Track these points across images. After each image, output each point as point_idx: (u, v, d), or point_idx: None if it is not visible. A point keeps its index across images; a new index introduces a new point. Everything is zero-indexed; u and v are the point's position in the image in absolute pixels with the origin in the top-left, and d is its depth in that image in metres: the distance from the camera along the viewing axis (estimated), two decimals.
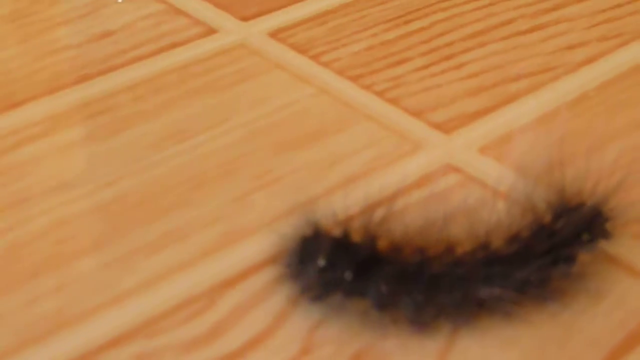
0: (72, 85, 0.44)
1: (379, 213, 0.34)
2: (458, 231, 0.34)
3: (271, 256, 0.35)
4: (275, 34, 0.48)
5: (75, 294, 0.34)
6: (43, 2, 0.51)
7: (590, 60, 0.47)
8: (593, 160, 0.38)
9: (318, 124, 0.42)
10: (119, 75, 0.45)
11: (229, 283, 0.35)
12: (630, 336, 0.33)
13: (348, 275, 0.32)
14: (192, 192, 0.39)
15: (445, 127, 0.42)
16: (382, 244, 0.33)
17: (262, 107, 0.43)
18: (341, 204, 0.35)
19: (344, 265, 0.33)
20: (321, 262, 0.33)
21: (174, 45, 0.47)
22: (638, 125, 0.43)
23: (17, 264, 0.35)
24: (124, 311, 0.34)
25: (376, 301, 0.33)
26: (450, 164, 0.40)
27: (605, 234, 0.35)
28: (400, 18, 0.49)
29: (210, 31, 0.48)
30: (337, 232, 0.33)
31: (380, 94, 0.44)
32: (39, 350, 0.32)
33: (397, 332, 0.33)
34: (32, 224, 0.37)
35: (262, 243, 0.36)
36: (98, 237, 0.36)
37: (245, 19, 0.49)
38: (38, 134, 0.41)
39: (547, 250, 0.34)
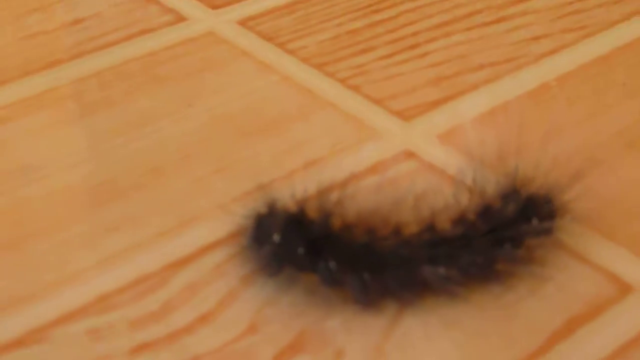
0: (41, 71, 0.45)
1: (334, 195, 0.35)
2: (409, 214, 0.35)
3: (225, 236, 0.36)
4: (243, 22, 0.48)
5: (30, 272, 0.35)
6: None
7: (552, 52, 0.47)
8: (548, 149, 0.38)
9: (280, 110, 0.43)
10: (87, 61, 0.46)
11: (182, 262, 0.35)
12: (572, 320, 0.34)
13: (301, 250, 0.33)
14: (152, 175, 0.39)
15: (405, 115, 0.43)
16: (335, 223, 0.34)
17: (225, 93, 0.44)
18: (298, 186, 0.35)
19: (297, 240, 0.33)
20: (276, 237, 0.33)
21: (142, 33, 0.47)
22: (595, 115, 0.43)
23: None
24: (78, 288, 0.34)
25: (325, 277, 0.33)
26: (408, 150, 0.41)
27: (553, 220, 0.36)
28: (368, 8, 0.50)
29: (180, 19, 0.48)
30: (292, 210, 0.34)
31: (342, 81, 0.44)
32: None
33: (343, 310, 0.34)
34: None
35: (217, 224, 0.37)
36: (56, 218, 0.37)
37: (215, 7, 0.49)
38: (5, 117, 0.41)
39: (493, 232, 0.34)
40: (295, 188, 0.35)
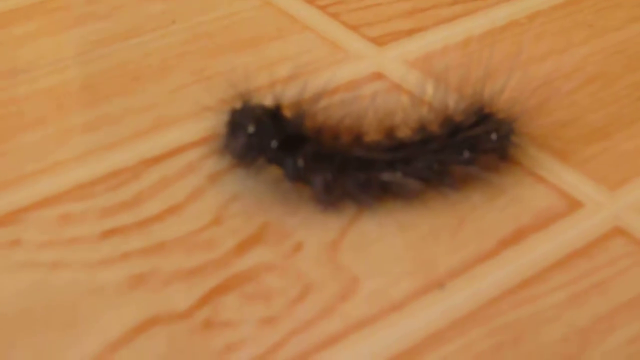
0: None
1: (307, 103, 0.35)
2: (374, 125, 0.36)
3: (198, 139, 0.37)
4: None
5: (13, 161, 0.35)
6: None
7: None
8: (512, 78, 0.38)
9: (259, 31, 0.43)
10: None
11: (155, 160, 0.36)
12: (521, 229, 0.35)
13: (273, 143, 0.34)
14: (132, 83, 0.40)
15: (379, 41, 0.44)
16: (306, 126, 0.35)
17: (208, 14, 0.44)
18: (273, 94, 0.35)
19: (270, 134, 0.34)
20: (251, 128, 0.34)
21: None
22: (560, 51, 0.44)
23: None
24: (56, 178, 0.35)
25: (291, 173, 0.34)
26: (378, 72, 0.41)
27: (509, 136, 0.37)
28: None
29: None
30: (268, 106, 0.35)
31: (322, 8, 0.45)
32: None
33: (304, 208, 0.34)
34: None
35: (191, 127, 0.38)
36: (40, 115, 0.38)
37: None
38: None
39: (450, 141, 0.35)
40: (270, 95, 0.35)
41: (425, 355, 0.30)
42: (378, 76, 0.41)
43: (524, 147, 0.37)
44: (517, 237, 0.34)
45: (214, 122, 0.35)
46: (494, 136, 0.36)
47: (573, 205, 0.36)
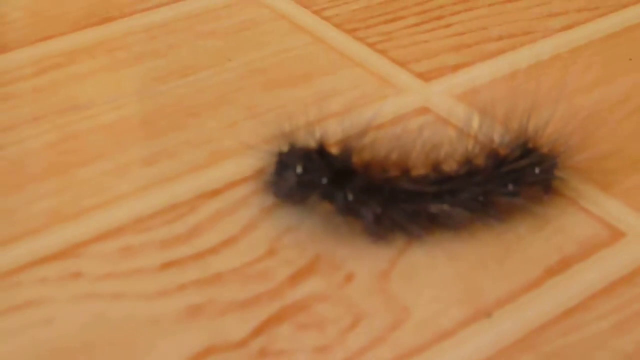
0: (97, 25, 0.46)
1: (355, 137, 0.35)
2: (422, 158, 0.36)
3: (251, 173, 0.37)
4: None
5: (73, 195, 0.36)
6: None
7: (566, 28, 0.47)
8: (556, 110, 0.38)
9: (310, 67, 0.43)
10: (138, 19, 0.46)
11: (211, 194, 0.36)
12: (565, 259, 0.34)
13: (324, 180, 0.34)
14: (188, 118, 0.40)
15: (426, 76, 0.44)
16: (355, 161, 0.35)
17: (262, 50, 0.44)
18: (321, 130, 0.35)
19: (319, 172, 0.34)
20: (299, 169, 0.34)
21: None
22: (602, 84, 0.43)
23: (25, 169, 0.37)
24: (115, 212, 0.35)
25: (341, 207, 0.34)
26: (425, 106, 0.41)
27: (553, 170, 0.36)
28: None
29: None
30: (314, 146, 0.35)
31: (371, 45, 0.45)
32: (36, 240, 0.34)
33: (355, 240, 0.34)
34: (43, 137, 0.39)
35: (244, 162, 0.38)
36: (100, 150, 0.38)
37: None
38: (60, 64, 0.43)
39: (495, 173, 0.35)
40: (320, 131, 0.35)
41: None
42: (425, 110, 0.41)
43: (568, 179, 0.37)
44: (562, 266, 0.34)
45: (265, 156, 0.35)
46: (537, 170, 0.36)
47: (616, 234, 0.35)
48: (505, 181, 0.35)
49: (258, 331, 0.31)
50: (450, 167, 0.36)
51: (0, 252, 0.33)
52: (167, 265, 0.33)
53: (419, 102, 0.42)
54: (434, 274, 0.34)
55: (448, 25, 0.47)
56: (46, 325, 0.31)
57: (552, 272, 0.34)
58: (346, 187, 0.34)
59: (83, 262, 0.33)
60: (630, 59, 0.45)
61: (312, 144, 0.35)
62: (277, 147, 0.35)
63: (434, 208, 0.34)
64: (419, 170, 0.35)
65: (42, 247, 0.33)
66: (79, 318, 0.31)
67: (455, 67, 0.44)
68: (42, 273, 0.32)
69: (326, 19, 0.47)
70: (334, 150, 0.35)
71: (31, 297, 0.31)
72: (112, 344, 0.30)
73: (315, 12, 0.47)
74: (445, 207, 0.34)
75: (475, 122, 0.38)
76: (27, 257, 0.33)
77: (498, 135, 0.36)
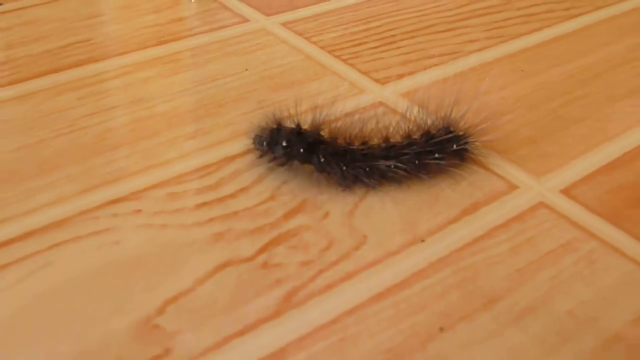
0: (156, 46, 0.45)
1: (328, 120, 0.35)
2: (376, 134, 0.35)
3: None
4: (285, 24, 0.48)
5: (137, 159, 0.35)
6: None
7: (480, 49, 0.47)
8: (471, 106, 0.37)
9: (303, 75, 0.43)
10: (184, 42, 0.46)
11: (231, 158, 0.36)
12: (475, 203, 0.34)
13: (302, 150, 0.34)
14: (218, 108, 0.40)
15: (382, 81, 0.43)
16: (325, 135, 0.34)
17: (269, 63, 0.44)
18: (306, 116, 0.35)
19: (299, 144, 0.34)
20: (284, 143, 0.34)
21: (220, 28, 0.47)
22: (505, 88, 0.42)
23: (105, 141, 0.36)
24: (165, 170, 0.35)
25: (317, 167, 0.34)
26: (380, 101, 0.41)
27: (467, 144, 0.36)
28: (364, 19, 0.49)
29: (244, 20, 0.48)
30: (295, 126, 0.34)
31: (344, 60, 0.45)
32: (110, 188, 0.33)
33: (330, 190, 0.33)
34: (118, 119, 0.38)
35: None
36: (156, 129, 0.37)
37: (268, 14, 0.49)
38: (129, 71, 0.42)
39: (427, 145, 0.34)
40: (303, 117, 0.35)
41: (413, 286, 0.29)
42: (380, 104, 0.41)
43: (479, 151, 0.36)
44: (473, 208, 0.33)
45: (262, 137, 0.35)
46: (455, 144, 0.35)
47: (511, 187, 0.35)
48: (432, 150, 0.34)
49: (261, 250, 0.30)
50: (394, 139, 0.35)
51: (84, 196, 0.32)
52: (200, 206, 0.32)
53: (376, 98, 0.41)
54: (383, 213, 0.33)
55: (398, 48, 0.46)
56: (115, 245, 0.30)
57: (467, 212, 0.33)
58: (318, 153, 0.33)
59: (142, 203, 0.32)
60: (522, 70, 0.44)
61: (294, 125, 0.34)
62: (271, 127, 0.35)
63: (382, 166, 0.34)
64: (372, 142, 0.35)
65: (114, 193, 0.33)
66: (138, 240, 0.30)
67: (402, 75, 0.43)
68: (114, 210, 0.32)
69: (314, 43, 0.46)
70: (309, 128, 0.34)
71: (105, 226, 0.31)
72: (160, 258, 0.30)
73: (306, 39, 0.47)
74: (391, 165, 0.34)
75: (414, 111, 0.38)
76: (104, 199, 0.33)
77: (430, 121, 0.36)
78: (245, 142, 0.36)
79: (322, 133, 0.34)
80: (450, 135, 0.35)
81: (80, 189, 0.33)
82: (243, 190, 0.33)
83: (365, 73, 0.43)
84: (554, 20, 0.51)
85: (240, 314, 0.27)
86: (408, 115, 0.38)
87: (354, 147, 0.34)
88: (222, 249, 0.30)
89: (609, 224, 0.33)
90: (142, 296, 0.28)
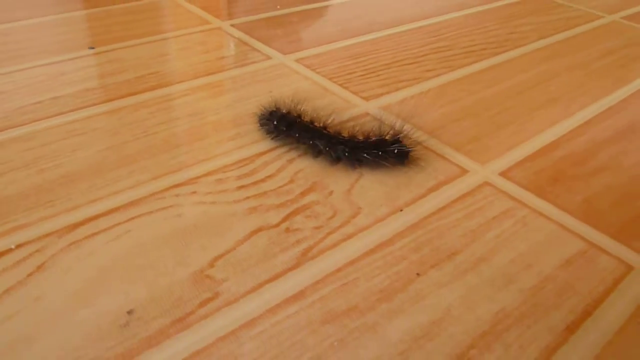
0: (206, 75, 0.42)
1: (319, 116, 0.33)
2: (346, 129, 0.33)
3: (280, 145, 0.33)
4: (297, 60, 0.46)
5: (194, 154, 0.33)
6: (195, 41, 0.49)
7: (434, 76, 0.44)
8: (422, 119, 0.35)
9: (311, 95, 0.40)
10: (226, 73, 0.43)
11: (261, 154, 0.33)
12: (437, 184, 0.31)
13: (284, 126, 0.32)
14: (250, 118, 0.37)
15: (367, 99, 0.40)
16: (306, 119, 0.33)
17: (287, 87, 0.41)
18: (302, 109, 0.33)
19: (284, 122, 0.33)
20: (275, 121, 0.33)
21: (251, 63, 0.45)
22: (452, 102, 0.40)
23: (170, 142, 0.34)
24: (213, 162, 0.32)
25: (295, 139, 0.33)
26: (365, 112, 0.38)
27: (407, 152, 0.32)
28: (353, 56, 0.47)
29: (268, 58, 0.46)
30: (285, 111, 0.33)
31: (340, 84, 0.42)
32: (175, 176, 0.31)
33: (334, 175, 0.31)
34: (181, 127, 0.35)
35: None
36: (207, 133, 0.35)
37: (285, 53, 0.46)
38: (189, 93, 0.39)
39: (369, 143, 0.32)
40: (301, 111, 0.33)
41: (396, 243, 0.27)
42: (365, 114, 0.38)
43: (434, 145, 0.34)
44: (436, 187, 0.31)
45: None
46: (396, 150, 0.32)
47: (463, 172, 0.32)
48: (373, 148, 0.32)
49: (284, 219, 0.28)
50: (362, 135, 0.32)
51: (154, 182, 0.30)
52: (239, 188, 0.30)
53: (364, 110, 0.38)
54: (373, 191, 0.31)
55: (378, 76, 0.44)
56: (178, 218, 0.28)
57: (432, 189, 0.31)
58: (295, 129, 0.32)
59: (197, 186, 0.30)
60: (466, 90, 0.42)
61: (285, 111, 0.33)
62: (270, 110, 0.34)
63: (338, 146, 0.32)
64: (340, 132, 0.33)
65: (176, 179, 0.30)
66: (195, 214, 0.28)
67: (381, 94, 0.41)
68: (176, 192, 0.29)
69: (318, 73, 0.44)
70: (293, 114, 0.33)
71: (170, 204, 0.28)
72: (211, 226, 0.27)
73: (313, 70, 0.44)
74: (343, 148, 0.32)
75: (386, 119, 0.35)
76: (169, 184, 0.30)
77: (388, 128, 0.33)
78: (271, 144, 0.34)
79: (304, 118, 0.33)
80: (396, 142, 0.32)
81: (151, 177, 0.30)
82: (270, 176, 0.31)
83: (355, 93, 0.41)
84: (487, 55, 0.49)
85: (270, 266, 0.25)
86: (382, 121, 0.36)
87: (319, 127, 0.32)
88: (256, 219, 0.28)
89: (536, 196, 0.31)
90: (198, 254, 0.25)
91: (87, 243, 0.25)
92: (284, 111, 0.33)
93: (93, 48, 0.45)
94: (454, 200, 0.30)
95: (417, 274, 0.25)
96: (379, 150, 0.31)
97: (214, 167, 0.31)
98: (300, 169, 0.32)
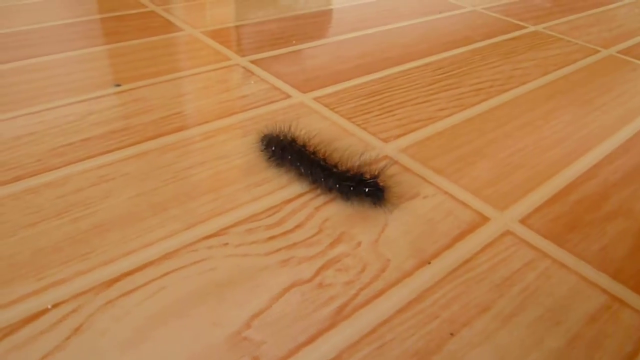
0: (226, 117, 0.41)
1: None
2: (342, 160, 0.33)
3: (307, 190, 0.32)
4: (315, 99, 0.44)
5: (222, 202, 0.31)
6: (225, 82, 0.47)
7: (448, 115, 0.43)
8: (439, 161, 0.34)
9: (330, 136, 0.39)
10: (247, 113, 0.42)
11: (288, 201, 0.32)
12: (461, 233, 0.30)
13: (281, 152, 0.32)
14: (265, 163, 0.35)
15: (385, 139, 0.39)
16: (297, 145, 0.32)
17: (307, 127, 0.40)
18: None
19: (283, 149, 0.32)
20: (273, 147, 0.33)
21: (271, 102, 0.43)
22: (467, 143, 0.39)
23: (197, 188, 0.32)
24: (242, 211, 0.31)
25: (289, 164, 0.32)
26: (385, 154, 0.37)
27: (379, 192, 0.31)
28: (368, 95, 0.46)
29: (287, 96, 0.44)
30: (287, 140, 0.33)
31: (358, 124, 0.41)
32: (204, 226, 0.29)
33: (361, 223, 0.30)
34: (206, 172, 0.34)
35: (305, 186, 0.32)
36: (235, 179, 0.33)
37: (304, 91, 0.45)
38: (211, 135, 0.38)
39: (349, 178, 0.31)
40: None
41: (426, 300, 0.26)
42: (385, 157, 0.36)
43: (450, 193, 0.32)
44: (461, 236, 0.29)
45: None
46: (366, 189, 0.31)
47: (485, 219, 0.31)
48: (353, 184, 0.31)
49: (317, 273, 0.26)
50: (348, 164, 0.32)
51: (185, 233, 0.29)
52: (270, 239, 0.29)
53: (383, 153, 0.37)
54: (398, 241, 0.29)
55: (394, 116, 0.42)
56: (211, 271, 0.26)
57: (456, 239, 0.29)
58: (288, 153, 0.32)
59: (228, 237, 0.28)
60: (478, 130, 0.40)
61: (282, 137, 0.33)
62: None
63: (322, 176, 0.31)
64: (334, 163, 0.32)
65: (207, 230, 0.29)
66: (228, 267, 0.27)
67: (400, 135, 0.40)
68: (209, 244, 0.28)
69: (336, 112, 0.43)
70: (290, 140, 0.33)
71: (203, 257, 0.27)
72: (244, 280, 0.26)
73: (331, 109, 0.43)
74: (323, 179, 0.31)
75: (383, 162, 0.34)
76: (200, 235, 0.29)
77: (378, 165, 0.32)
78: (299, 188, 0.32)
79: (299, 144, 0.32)
80: (369, 181, 0.30)
81: (182, 227, 0.29)
82: (299, 226, 0.30)
83: (373, 134, 0.40)
84: (494, 93, 0.48)
85: (305, 325, 0.23)
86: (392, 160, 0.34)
87: (308, 152, 0.31)
88: (288, 273, 0.26)
89: (556, 245, 0.29)
90: (233, 312, 0.24)
91: (123, 301, 0.24)
92: (279, 136, 0.32)
93: (119, 85, 0.43)
94: (478, 251, 0.28)
95: (451, 334, 0.24)
96: (350, 185, 0.30)
97: (243, 216, 0.30)
98: (327, 217, 0.30)
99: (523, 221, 0.31)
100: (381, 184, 0.30)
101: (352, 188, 0.30)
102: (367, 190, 0.30)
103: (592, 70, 0.54)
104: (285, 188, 0.33)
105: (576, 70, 0.54)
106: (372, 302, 0.25)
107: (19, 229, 0.28)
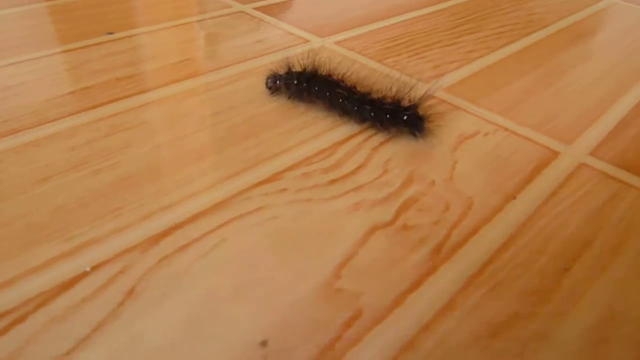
0: (249, 60, 0.36)
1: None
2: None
3: (361, 130, 0.28)
4: (338, 43, 0.40)
5: (269, 145, 0.27)
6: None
7: (479, 57, 0.39)
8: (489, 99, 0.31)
9: (363, 77, 0.34)
10: (264, 58, 0.37)
11: (341, 142, 0.28)
12: (536, 167, 0.27)
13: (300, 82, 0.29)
14: (263, 127, 0.31)
15: (426, 80, 0.35)
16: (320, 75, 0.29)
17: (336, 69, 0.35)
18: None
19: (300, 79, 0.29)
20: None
21: (290, 46, 0.39)
22: (508, 82, 0.35)
23: (234, 134, 0.28)
24: (292, 154, 0.26)
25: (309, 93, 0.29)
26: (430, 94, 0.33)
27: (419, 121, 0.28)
28: (390, 39, 0.42)
29: (305, 41, 0.40)
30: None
31: (389, 65, 0.37)
32: (256, 171, 0.25)
33: (428, 158, 0.26)
34: (238, 116, 0.29)
35: (354, 128, 0.28)
36: (275, 123, 0.28)
37: (321, 36, 0.41)
38: (235, 79, 0.33)
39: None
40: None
41: (525, 236, 0.22)
42: (431, 97, 0.32)
43: (511, 129, 0.29)
44: (537, 170, 0.26)
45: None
46: (405, 117, 0.27)
47: (554, 153, 0.28)
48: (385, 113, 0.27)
49: (397, 215, 0.23)
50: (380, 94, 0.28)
51: (231, 181, 0.24)
52: (331, 182, 0.25)
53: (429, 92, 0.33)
54: (475, 179, 0.26)
55: (423, 58, 0.39)
56: (274, 220, 0.22)
57: (534, 173, 0.26)
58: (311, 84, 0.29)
59: (285, 182, 0.24)
60: (515, 69, 0.37)
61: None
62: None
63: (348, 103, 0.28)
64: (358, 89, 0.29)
65: (258, 176, 0.25)
66: (293, 214, 0.23)
67: (432, 75, 0.36)
68: (263, 190, 0.23)
69: (364, 55, 0.38)
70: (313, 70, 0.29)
71: (260, 204, 0.23)
72: (317, 227, 0.22)
73: (358, 52, 0.39)
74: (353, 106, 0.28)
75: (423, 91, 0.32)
76: (251, 181, 0.24)
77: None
78: (349, 128, 0.28)
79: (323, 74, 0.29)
80: (408, 110, 0.27)
81: (228, 174, 0.24)
82: (360, 167, 0.26)
83: (407, 74, 0.36)
84: (517, 37, 0.45)
85: (402, 271, 0.20)
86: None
87: (336, 81, 0.28)
88: (363, 217, 0.22)
89: (635, 175, 0.27)
90: (316, 262, 0.20)
91: (178, 257, 0.19)
92: (299, 69, 0.29)
93: (112, 33, 0.38)
94: (561, 184, 0.25)
95: (565, 269, 0.20)
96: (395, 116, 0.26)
97: (294, 159, 0.26)
98: (388, 157, 0.27)
99: (593, 153, 0.28)
100: (421, 112, 0.27)
101: (388, 115, 0.26)
102: (405, 118, 0.26)
103: (605, 16, 0.52)
104: (332, 130, 0.29)
105: (591, 14, 0.52)
106: (469, 241, 0.21)
107: (30, 185, 0.23)
